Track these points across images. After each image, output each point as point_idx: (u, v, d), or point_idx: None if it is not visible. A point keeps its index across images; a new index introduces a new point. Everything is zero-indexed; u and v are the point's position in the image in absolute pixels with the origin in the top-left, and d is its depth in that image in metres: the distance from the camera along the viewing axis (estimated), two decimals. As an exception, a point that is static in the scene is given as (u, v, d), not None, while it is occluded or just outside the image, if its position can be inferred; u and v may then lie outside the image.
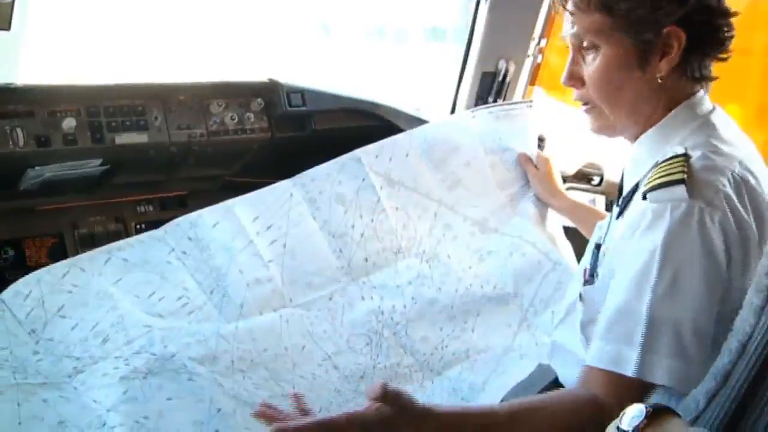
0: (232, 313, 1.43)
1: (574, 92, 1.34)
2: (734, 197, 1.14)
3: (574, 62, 1.30)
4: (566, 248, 1.73)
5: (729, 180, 1.16)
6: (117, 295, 1.37)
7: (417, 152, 1.71)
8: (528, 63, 2.13)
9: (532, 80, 2.16)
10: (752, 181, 1.18)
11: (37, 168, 1.68)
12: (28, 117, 1.65)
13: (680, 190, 1.13)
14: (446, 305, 1.59)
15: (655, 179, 1.17)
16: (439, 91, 2.35)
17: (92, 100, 1.73)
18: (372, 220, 1.62)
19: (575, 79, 1.30)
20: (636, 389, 1.11)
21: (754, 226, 1.15)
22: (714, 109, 1.28)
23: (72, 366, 1.29)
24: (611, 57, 1.23)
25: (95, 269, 1.38)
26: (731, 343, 1.05)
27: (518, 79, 2.12)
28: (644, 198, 1.17)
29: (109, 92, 1.77)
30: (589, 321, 1.27)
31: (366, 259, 1.60)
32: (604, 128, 1.33)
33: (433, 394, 1.49)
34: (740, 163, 1.19)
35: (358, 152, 1.67)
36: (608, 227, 1.34)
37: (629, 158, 1.35)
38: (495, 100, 2.12)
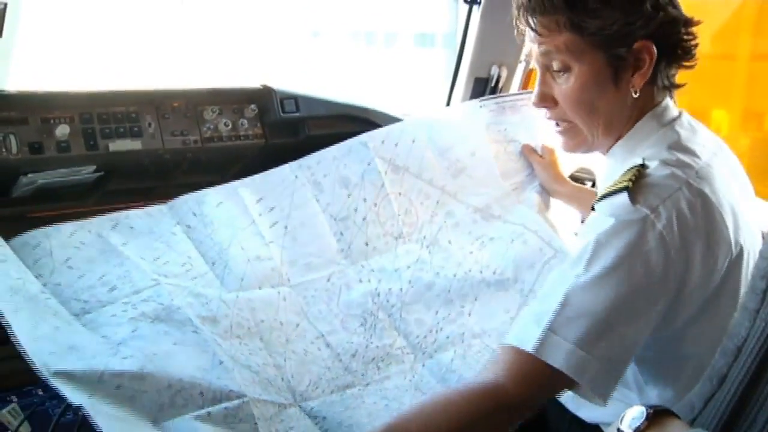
0: (233, 285, 1.47)
1: (545, 112, 1.34)
2: (685, 208, 1.14)
3: (544, 83, 1.29)
4: (571, 238, 1.74)
5: (681, 190, 1.15)
6: (124, 254, 1.42)
7: (423, 139, 1.72)
8: (520, 69, 2.14)
9: (525, 85, 2.18)
10: (707, 191, 1.18)
11: (30, 175, 1.67)
12: (21, 124, 1.64)
13: (623, 198, 1.14)
14: (444, 288, 1.59)
15: (605, 190, 1.19)
16: (429, 97, 2.36)
17: (86, 106, 1.73)
18: (375, 205, 1.63)
19: (547, 100, 1.30)
20: (536, 369, 1.10)
21: (703, 239, 1.15)
22: (679, 115, 1.29)
23: (80, 307, 1.33)
24: (585, 75, 1.23)
25: (102, 231, 1.45)
26: (727, 346, 1.06)
27: (510, 85, 2.14)
28: (593, 209, 1.19)
29: (103, 99, 1.76)
30: None
31: (366, 243, 1.61)
32: (580, 145, 1.33)
33: (422, 379, 1.49)
34: (697, 173, 1.19)
35: (364, 136, 1.69)
36: None
37: (602, 171, 1.36)
38: (487, 105, 2.13)
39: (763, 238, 1.31)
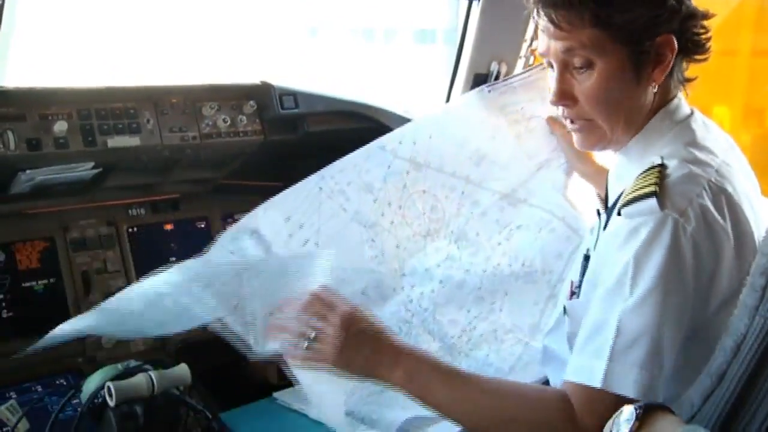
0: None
1: (562, 110, 1.31)
2: (711, 207, 1.15)
3: (564, 80, 1.26)
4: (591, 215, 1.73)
5: (705, 189, 1.16)
6: None
7: (439, 133, 1.69)
8: (520, 64, 2.13)
9: (524, 81, 2.17)
10: (729, 188, 1.18)
11: (28, 171, 1.67)
12: (19, 120, 1.64)
13: (652, 203, 1.13)
14: (474, 286, 1.59)
15: (629, 193, 1.18)
16: (430, 93, 2.36)
17: (84, 103, 1.72)
18: (400, 207, 1.62)
19: (567, 97, 1.27)
20: (606, 400, 1.11)
21: (731, 235, 1.16)
22: (692, 113, 1.29)
23: None
24: (609, 70, 1.21)
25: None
26: (726, 343, 1.06)
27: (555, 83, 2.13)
28: (619, 214, 1.18)
29: (101, 95, 1.76)
30: (573, 334, 1.27)
31: (397, 246, 1.60)
32: (598, 143, 1.31)
33: None
34: (717, 171, 1.19)
35: (381, 140, 1.65)
36: (597, 238, 1.34)
37: (613, 169, 1.35)
38: (487, 101, 2.12)
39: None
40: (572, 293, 1.33)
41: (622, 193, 1.26)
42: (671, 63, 1.21)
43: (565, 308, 1.32)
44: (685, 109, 1.29)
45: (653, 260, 1.12)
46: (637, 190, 1.17)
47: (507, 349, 1.52)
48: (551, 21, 1.21)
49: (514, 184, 1.71)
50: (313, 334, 1.22)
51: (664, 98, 1.27)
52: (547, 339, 1.44)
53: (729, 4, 2.73)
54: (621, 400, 1.09)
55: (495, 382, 1.25)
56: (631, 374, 1.11)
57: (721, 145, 1.27)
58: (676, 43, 1.20)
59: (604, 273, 1.19)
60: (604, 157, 1.64)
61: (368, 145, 1.63)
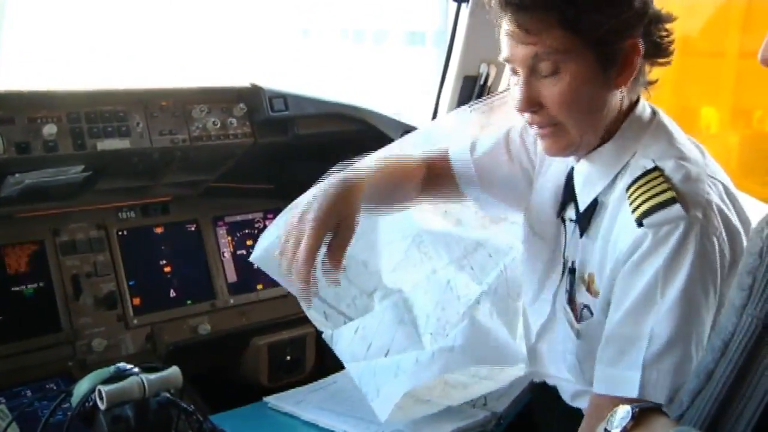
0: None
1: (528, 117, 1.26)
2: (721, 203, 1.16)
3: (530, 87, 1.21)
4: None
5: (709, 185, 1.17)
6: None
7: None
8: (509, 67, 2.14)
9: (514, 84, 2.18)
10: (721, 177, 1.20)
11: (17, 175, 1.66)
12: (7, 123, 1.63)
13: (677, 209, 1.13)
14: None
15: (642, 202, 1.16)
16: (420, 94, 2.36)
17: (73, 106, 1.72)
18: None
19: (534, 104, 1.23)
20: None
21: (740, 226, 1.17)
22: (655, 112, 1.29)
23: None
24: (577, 74, 1.18)
25: None
26: (714, 342, 1.07)
27: (500, 83, 2.14)
28: (640, 225, 1.15)
29: (91, 98, 1.76)
30: (589, 352, 1.26)
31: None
32: (567, 148, 1.27)
33: None
34: (706, 164, 1.21)
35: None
36: (565, 244, 1.33)
37: (579, 174, 1.32)
38: (477, 104, 2.13)
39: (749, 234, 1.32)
40: (577, 314, 1.31)
41: (596, 199, 1.26)
42: (637, 67, 1.20)
43: (578, 332, 1.31)
44: (648, 109, 1.29)
45: (683, 266, 1.12)
46: (651, 198, 1.15)
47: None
48: (518, 25, 1.19)
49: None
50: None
51: (632, 101, 1.27)
52: (532, 358, 1.46)
53: (717, 6, 2.74)
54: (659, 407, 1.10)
55: None
56: (666, 382, 1.11)
57: (686, 138, 1.28)
58: (642, 47, 1.20)
59: (628, 286, 1.17)
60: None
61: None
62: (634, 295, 1.15)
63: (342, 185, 1.27)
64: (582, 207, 1.31)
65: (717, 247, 1.13)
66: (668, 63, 1.27)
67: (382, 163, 1.45)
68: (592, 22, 1.16)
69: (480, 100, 1.84)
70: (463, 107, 1.80)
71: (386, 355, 1.63)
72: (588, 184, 1.30)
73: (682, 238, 1.12)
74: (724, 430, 1.03)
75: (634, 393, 1.13)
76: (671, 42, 1.25)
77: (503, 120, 1.77)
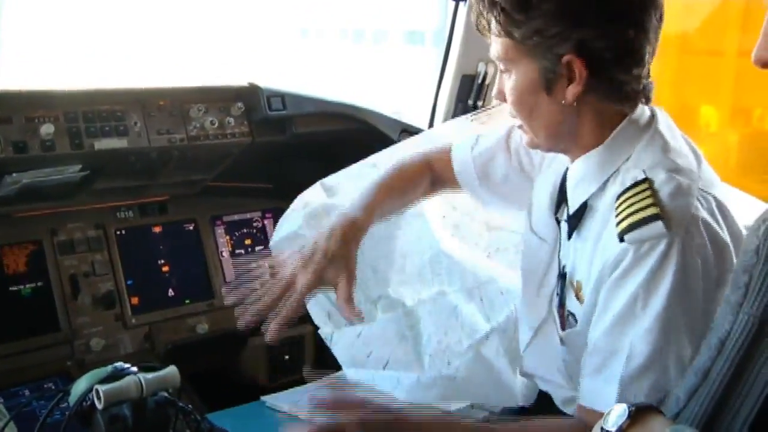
0: None
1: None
2: (709, 219, 1.14)
3: (501, 81, 1.29)
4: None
5: (699, 200, 1.15)
6: None
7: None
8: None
9: (512, 82, 2.17)
10: (715, 191, 1.18)
11: (14, 174, 1.66)
12: (5, 123, 1.63)
13: (659, 226, 1.12)
14: None
15: (626, 216, 1.16)
16: (419, 94, 2.36)
17: (71, 105, 1.72)
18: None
19: (501, 96, 1.30)
20: None
21: (729, 240, 1.16)
22: (653, 115, 1.27)
23: None
24: (519, 80, 1.23)
25: None
26: (711, 340, 1.07)
27: (497, 82, 2.14)
28: (621, 240, 1.15)
29: (88, 97, 1.75)
30: (573, 361, 1.27)
31: None
32: (530, 143, 1.32)
33: None
34: (700, 175, 1.19)
35: (371, 159, 1.76)
36: (559, 246, 1.33)
37: (572, 175, 1.32)
38: (475, 103, 2.13)
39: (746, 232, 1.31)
40: (564, 322, 1.31)
41: (585, 202, 1.26)
42: (581, 83, 1.18)
43: (561, 339, 1.32)
44: (647, 113, 1.27)
45: (663, 284, 1.12)
46: (634, 212, 1.15)
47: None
48: (476, 28, 1.27)
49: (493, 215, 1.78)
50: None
51: (614, 113, 1.24)
52: (527, 355, 1.45)
53: (715, 5, 2.74)
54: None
55: (521, 426, 1.29)
56: (643, 398, 1.11)
57: (686, 142, 1.26)
58: (583, 64, 1.17)
59: (610, 299, 1.17)
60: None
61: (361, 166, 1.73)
62: (617, 308, 1.15)
63: (348, 229, 1.34)
64: (572, 209, 1.30)
65: (700, 265, 1.12)
66: (640, 75, 1.22)
67: (388, 175, 1.51)
68: (521, 34, 1.19)
69: (480, 110, 1.86)
70: (463, 117, 1.83)
71: (384, 367, 1.64)
72: (579, 187, 1.29)
73: (662, 256, 1.12)
74: (721, 428, 1.03)
75: (606, 407, 1.12)
76: (636, 58, 1.20)
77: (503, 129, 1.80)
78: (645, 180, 1.16)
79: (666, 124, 1.27)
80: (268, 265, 1.35)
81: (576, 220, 1.27)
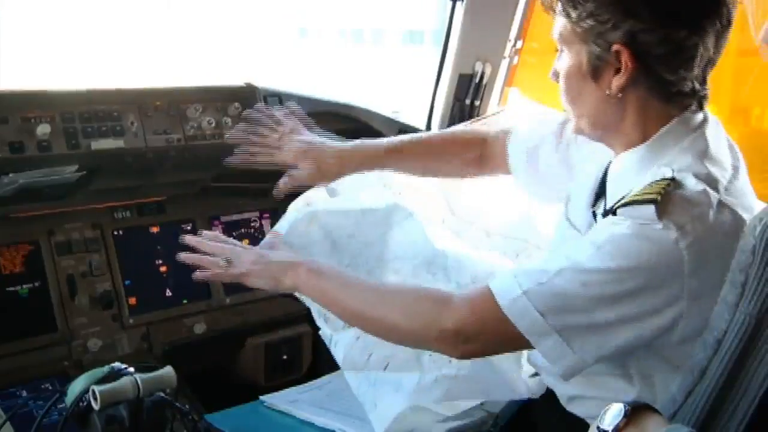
0: None
1: None
2: (716, 226, 1.14)
3: (557, 60, 1.31)
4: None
5: (712, 208, 1.14)
6: None
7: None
8: (504, 64, 2.14)
9: (509, 82, 2.18)
10: (738, 207, 1.17)
11: (11, 175, 1.66)
12: (1, 123, 1.63)
13: (649, 210, 1.12)
14: None
15: (632, 197, 1.17)
16: (418, 93, 2.36)
17: (67, 105, 1.71)
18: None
19: (555, 76, 1.31)
20: (498, 320, 1.19)
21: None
22: (705, 119, 1.26)
23: None
24: (570, 63, 1.25)
25: None
26: (707, 339, 1.06)
27: (495, 81, 2.14)
28: (614, 213, 1.17)
29: (85, 98, 1.75)
30: None
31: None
32: (577, 130, 1.33)
33: None
34: (726, 187, 1.18)
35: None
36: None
37: (613, 170, 1.33)
38: (472, 102, 2.13)
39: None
40: None
41: (623, 198, 1.24)
42: (627, 75, 1.19)
43: None
44: (699, 117, 1.26)
45: (629, 250, 1.13)
46: (638, 195, 1.15)
47: None
48: (542, 4, 1.30)
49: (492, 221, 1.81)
50: (225, 259, 1.45)
51: (662, 112, 1.24)
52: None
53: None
54: (511, 330, 1.18)
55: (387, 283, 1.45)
56: (532, 315, 1.16)
57: (729, 153, 1.26)
58: (631, 56, 1.18)
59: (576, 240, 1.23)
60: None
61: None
62: (577, 239, 1.22)
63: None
64: (609, 204, 1.29)
65: (676, 265, 1.12)
66: (673, 108, 1.23)
67: (436, 134, 1.68)
68: (576, 16, 1.21)
69: (476, 119, 1.88)
70: (461, 125, 1.84)
71: (385, 368, 1.64)
72: (618, 182, 1.30)
73: (641, 235, 1.12)
74: (718, 428, 1.03)
75: (504, 301, 1.18)
76: (686, 58, 1.19)
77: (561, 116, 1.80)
78: (672, 179, 1.16)
79: (715, 131, 1.26)
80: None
81: (607, 215, 1.27)
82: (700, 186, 1.16)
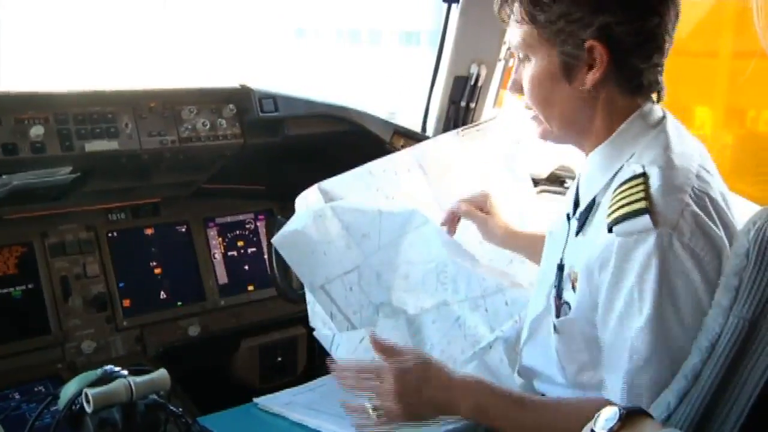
0: None
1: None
2: (701, 213, 1.15)
3: (517, 70, 1.32)
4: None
5: (691, 196, 1.16)
6: None
7: (415, 167, 1.81)
8: (500, 67, 2.13)
9: (504, 84, 2.17)
10: (711, 192, 1.19)
11: (4, 176, 1.65)
12: (-6, 125, 1.62)
13: (645, 221, 1.13)
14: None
15: (617, 208, 1.17)
16: (415, 95, 2.36)
17: (61, 107, 1.71)
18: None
19: (517, 87, 1.32)
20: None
21: (724, 237, 1.16)
22: (665, 116, 1.28)
23: None
24: (539, 68, 1.25)
25: None
26: (701, 343, 1.07)
27: (490, 83, 2.13)
28: (610, 231, 1.17)
29: (79, 99, 1.74)
30: (567, 351, 1.28)
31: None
32: (544, 135, 1.34)
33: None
34: (697, 175, 1.19)
35: (368, 167, 1.76)
36: (566, 243, 1.34)
37: (582, 172, 1.34)
38: (467, 104, 2.12)
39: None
40: (558, 310, 1.32)
41: (594, 199, 1.27)
42: (601, 70, 1.21)
43: (555, 326, 1.31)
44: (658, 112, 1.28)
45: (653, 278, 1.12)
46: (625, 205, 1.16)
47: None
48: (499, 14, 1.30)
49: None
50: (373, 405, 1.31)
51: (626, 105, 1.26)
52: (525, 353, 1.45)
53: (709, 6, 2.74)
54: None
55: (556, 400, 1.33)
56: (644, 390, 1.14)
57: (694, 146, 1.27)
58: (605, 50, 1.19)
59: (605, 296, 1.19)
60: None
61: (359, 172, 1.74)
62: (618, 308, 1.17)
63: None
64: (582, 206, 1.31)
65: (692, 259, 1.13)
66: (656, 66, 1.24)
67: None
68: (546, 19, 1.22)
69: (470, 126, 1.89)
70: (452, 131, 1.86)
71: None
72: (588, 184, 1.31)
73: (650, 251, 1.13)
74: (711, 431, 1.03)
75: (617, 399, 1.15)
76: (656, 47, 1.22)
77: (491, 146, 1.81)
78: (642, 174, 1.18)
79: (675, 126, 1.27)
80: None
81: (584, 217, 1.28)
82: (671, 177, 1.17)
